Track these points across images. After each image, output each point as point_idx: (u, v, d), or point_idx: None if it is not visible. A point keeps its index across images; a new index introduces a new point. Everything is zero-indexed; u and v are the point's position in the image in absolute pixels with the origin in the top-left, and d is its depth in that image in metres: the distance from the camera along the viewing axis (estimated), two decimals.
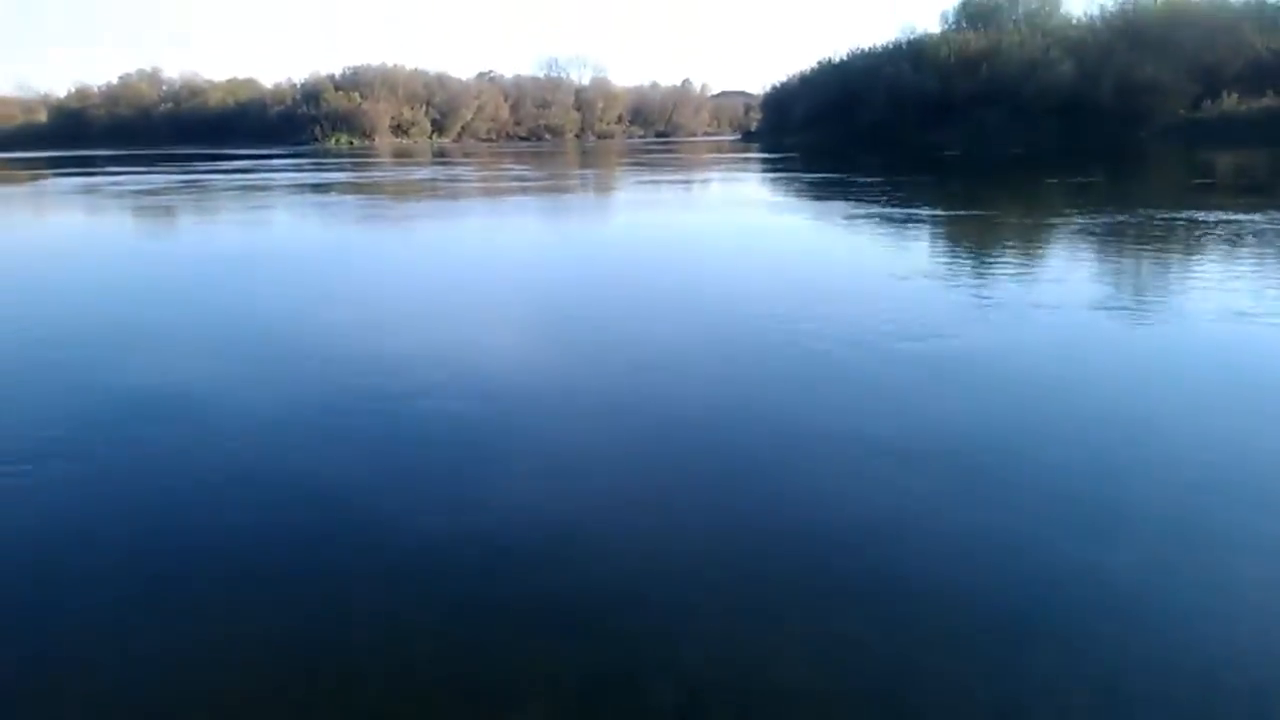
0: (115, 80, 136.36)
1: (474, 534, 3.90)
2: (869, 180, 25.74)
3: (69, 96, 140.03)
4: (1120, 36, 64.89)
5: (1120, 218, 14.52)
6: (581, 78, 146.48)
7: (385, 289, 9.86)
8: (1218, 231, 12.38)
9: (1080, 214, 15.32)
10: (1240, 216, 13.88)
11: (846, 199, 19.68)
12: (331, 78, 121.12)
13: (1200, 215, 14.08)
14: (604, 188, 28.20)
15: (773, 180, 29.01)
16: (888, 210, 16.66)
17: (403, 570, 3.61)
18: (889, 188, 22.75)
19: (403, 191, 26.35)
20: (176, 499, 4.31)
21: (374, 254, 12.67)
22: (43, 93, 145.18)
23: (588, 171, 38.70)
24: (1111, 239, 12.42)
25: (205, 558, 3.76)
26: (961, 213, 16.60)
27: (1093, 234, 12.89)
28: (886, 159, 40.48)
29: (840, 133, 73.32)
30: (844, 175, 28.11)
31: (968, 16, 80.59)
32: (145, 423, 5.46)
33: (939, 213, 16.71)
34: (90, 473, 4.57)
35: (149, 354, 6.93)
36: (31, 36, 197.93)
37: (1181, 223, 13.32)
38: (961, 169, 33.33)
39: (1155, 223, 13.72)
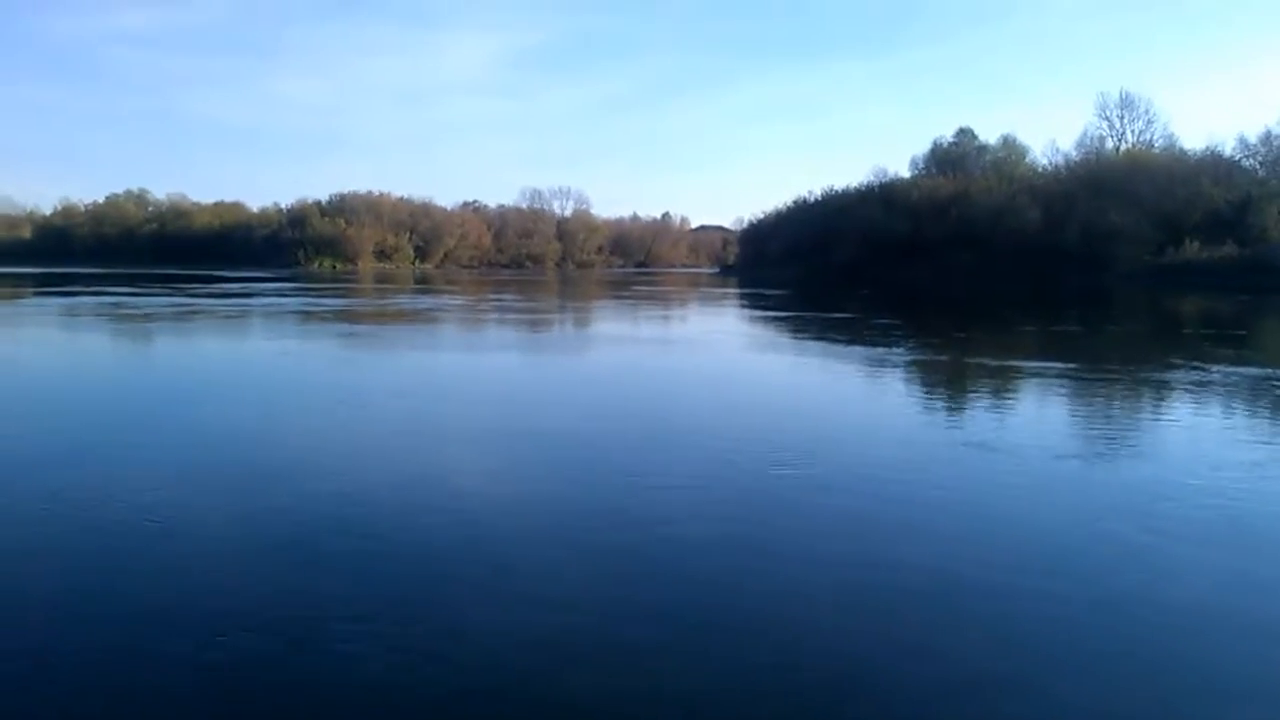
0: (102, 199, 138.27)
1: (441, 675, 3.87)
2: (845, 319, 26.27)
3: (54, 214, 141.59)
4: (1083, 185, 67.54)
5: (1108, 371, 14.90)
6: (564, 209, 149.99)
7: (366, 417, 9.89)
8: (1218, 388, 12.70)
9: (1059, 362, 15.69)
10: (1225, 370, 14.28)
11: (824, 339, 20.06)
12: (318, 204, 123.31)
13: (1197, 373, 14.46)
14: (584, 324, 28.56)
15: (750, 317, 29.57)
16: (865, 351, 17.02)
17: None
18: (866, 328, 23.23)
19: (385, 317, 26.65)
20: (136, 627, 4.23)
21: (355, 380, 12.73)
22: (28, 209, 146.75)
23: (568, 305, 39.25)
24: (1095, 393, 12.71)
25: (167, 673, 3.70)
26: (942, 358, 16.94)
27: (1075, 386, 13.20)
28: (861, 298, 41.36)
29: (815, 269, 74.98)
30: (820, 314, 28.71)
31: (936, 162, 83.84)
32: (105, 553, 5.38)
33: (918, 356, 17.06)
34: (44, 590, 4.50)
35: (114, 478, 6.86)
36: (18, 153, 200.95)
37: (1179, 382, 13.64)
38: (937, 310, 34.10)
39: (1142, 378, 14.09)
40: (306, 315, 23.73)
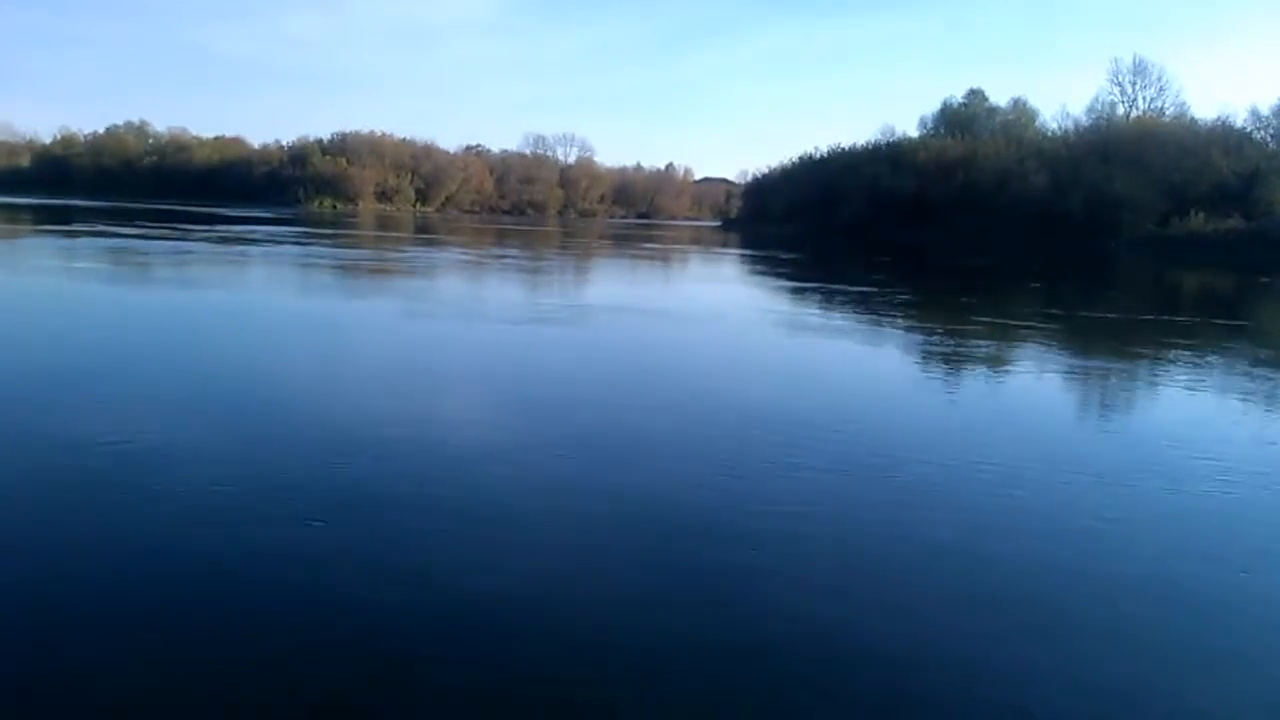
0: (102, 130, 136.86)
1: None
2: (854, 285, 26.13)
3: (54, 143, 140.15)
4: (1092, 151, 66.97)
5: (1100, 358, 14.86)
6: (567, 156, 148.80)
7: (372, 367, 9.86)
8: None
9: (1057, 341, 15.63)
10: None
11: (831, 303, 19.94)
12: (319, 142, 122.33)
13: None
14: (588, 279, 28.44)
15: (755, 273, 29.43)
16: (875, 317, 16.92)
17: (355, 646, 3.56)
18: (876, 293, 23.08)
19: (388, 271, 26.51)
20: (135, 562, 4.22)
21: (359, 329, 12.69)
22: (27, 137, 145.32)
23: (569, 256, 39.09)
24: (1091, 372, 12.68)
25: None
26: (956, 327, 16.87)
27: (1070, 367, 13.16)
28: (866, 258, 41.20)
29: (819, 227, 74.65)
30: (826, 273, 28.55)
31: (946, 123, 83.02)
32: (107, 486, 5.38)
33: (930, 324, 17.00)
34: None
35: (119, 412, 6.83)
36: (18, 79, 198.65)
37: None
38: (944, 273, 33.97)
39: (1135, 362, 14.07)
40: (304, 268, 23.61)
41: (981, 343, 14.19)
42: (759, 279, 24.72)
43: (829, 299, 19.18)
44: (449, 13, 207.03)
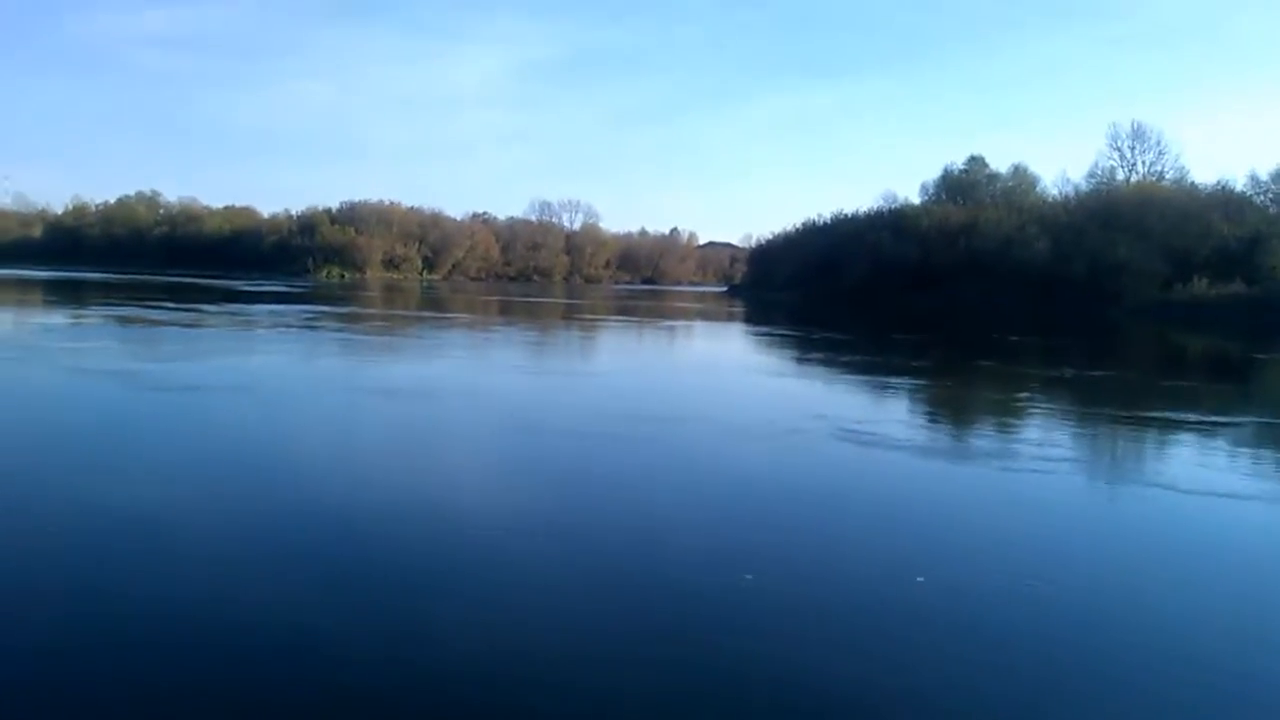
0: (113, 200, 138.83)
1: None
2: (858, 351, 26.20)
3: (66, 213, 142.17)
4: (1093, 217, 67.52)
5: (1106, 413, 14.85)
6: (573, 222, 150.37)
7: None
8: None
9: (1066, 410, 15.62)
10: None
11: (841, 367, 19.98)
12: (328, 211, 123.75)
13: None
14: (595, 344, 28.58)
15: (764, 341, 29.53)
16: (868, 380, 16.92)
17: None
18: (871, 359, 23.13)
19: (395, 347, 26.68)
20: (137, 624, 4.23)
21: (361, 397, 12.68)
22: (40, 207, 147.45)
23: (575, 324, 39.28)
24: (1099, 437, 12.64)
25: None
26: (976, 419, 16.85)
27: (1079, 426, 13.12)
28: (866, 325, 41.38)
29: (824, 293, 75.04)
30: (833, 339, 28.58)
31: (947, 188, 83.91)
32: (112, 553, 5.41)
33: (941, 392, 16.98)
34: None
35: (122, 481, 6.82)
36: (32, 150, 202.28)
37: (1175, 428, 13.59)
38: (952, 342, 34.05)
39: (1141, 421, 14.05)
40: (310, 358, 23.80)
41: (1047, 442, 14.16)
42: (786, 364, 24.61)
43: (869, 390, 19.11)
44: (454, 83, 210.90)
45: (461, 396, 14.23)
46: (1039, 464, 10.04)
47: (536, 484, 8.72)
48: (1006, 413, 14.85)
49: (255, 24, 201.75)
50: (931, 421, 13.90)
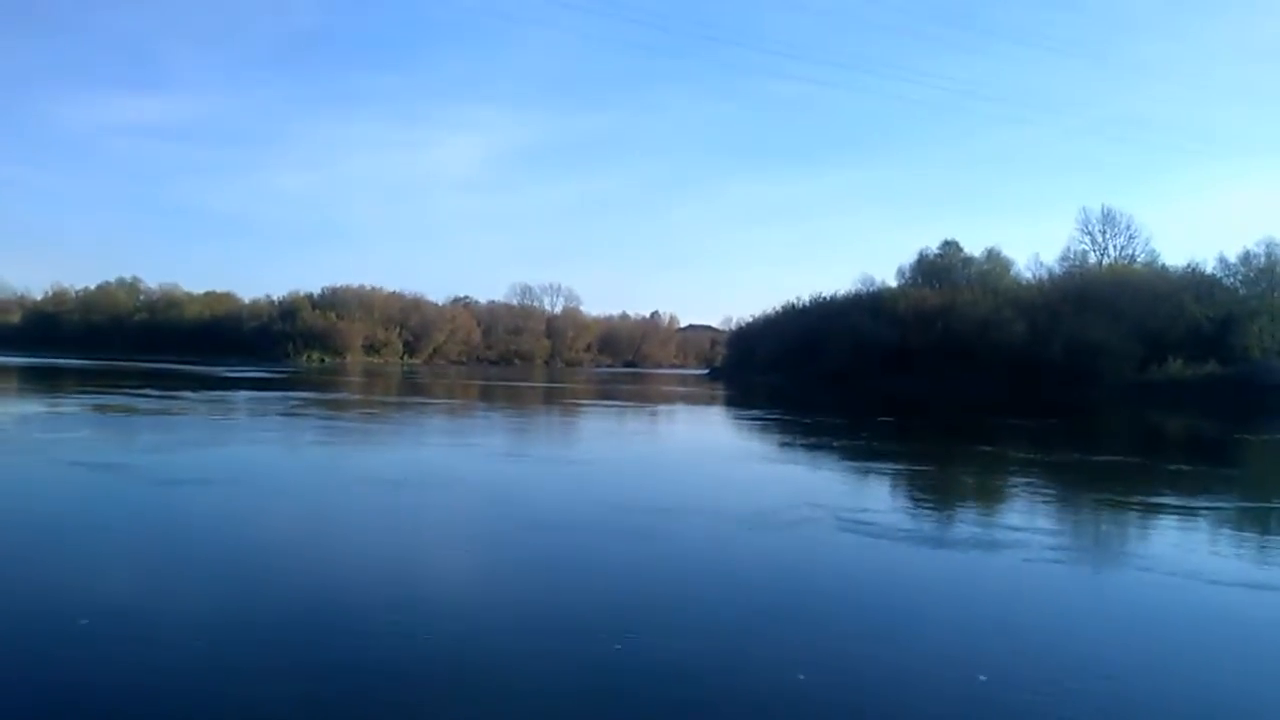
0: (94, 286, 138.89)
1: None
2: (843, 435, 26.31)
3: (45, 299, 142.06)
4: (1067, 300, 68.81)
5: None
6: (554, 306, 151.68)
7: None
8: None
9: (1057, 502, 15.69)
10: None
11: (830, 452, 20.03)
12: (309, 296, 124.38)
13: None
14: (580, 430, 28.59)
15: (750, 425, 29.59)
16: (862, 465, 16.96)
17: None
18: (862, 442, 23.22)
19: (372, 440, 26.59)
20: None
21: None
22: (19, 293, 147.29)
23: (559, 409, 39.28)
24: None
25: None
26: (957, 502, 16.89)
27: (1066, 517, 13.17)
28: (852, 408, 41.57)
29: (804, 375, 75.59)
30: (818, 423, 28.70)
31: (923, 272, 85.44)
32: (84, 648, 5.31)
33: (932, 480, 17.04)
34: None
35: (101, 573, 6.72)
36: (11, 235, 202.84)
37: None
38: (937, 425, 34.22)
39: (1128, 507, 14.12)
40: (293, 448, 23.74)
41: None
42: (775, 450, 24.69)
43: (863, 476, 19.17)
44: (434, 169, 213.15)
45: (451, 487, 14.15)
46: (1057, 554, 10.06)
47: (538, 581, 8.57)
48: (1008, 499, 14.82)
49: (235, 113, 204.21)
50: (934, 510, 13.82)
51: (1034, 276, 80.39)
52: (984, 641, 7.04)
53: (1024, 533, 11.38)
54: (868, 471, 18.15)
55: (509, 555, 9.67)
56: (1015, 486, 16.10)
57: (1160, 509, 13.89)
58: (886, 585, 8.75)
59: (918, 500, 14.77)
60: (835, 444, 23.56)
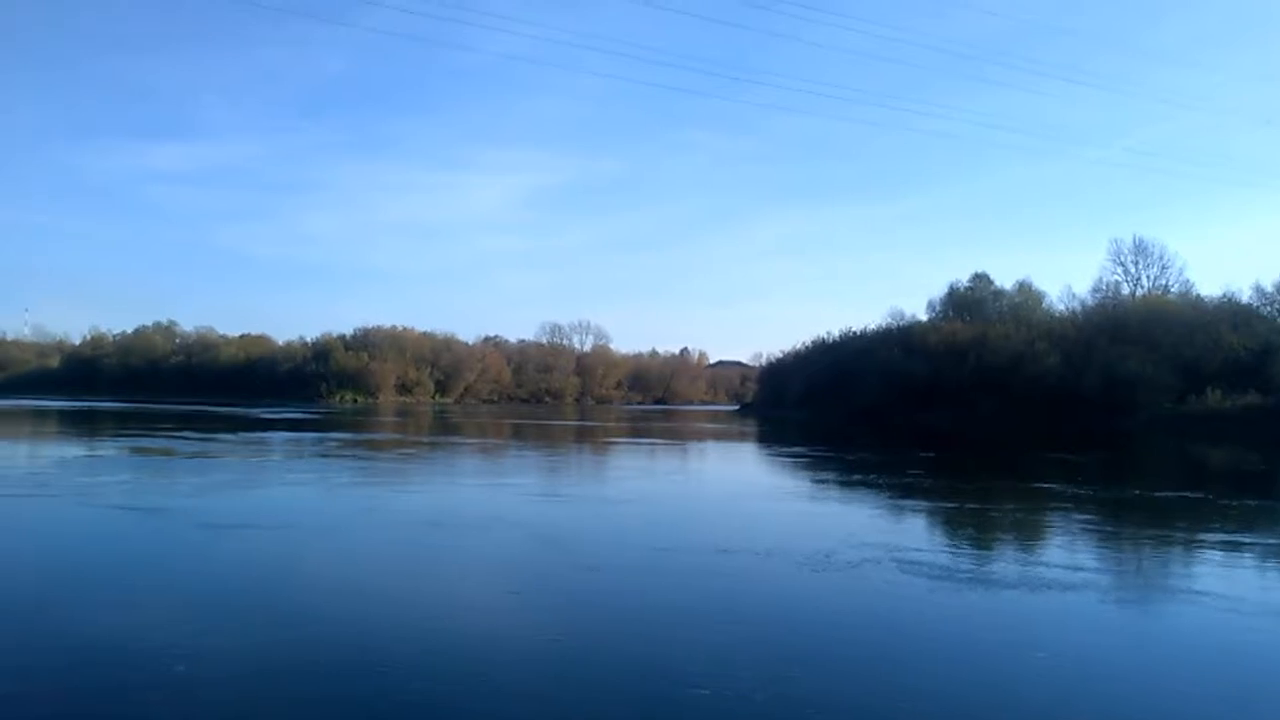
0: (131, 330, 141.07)
1: None
2: (885, 471, 26.11)
3: (83, 344, 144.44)
4: (1101, 331, 68.20)
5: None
6: (583, 344, 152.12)
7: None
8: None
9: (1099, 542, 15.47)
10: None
11: (870, 489, 19.84)
12: (342, 338, 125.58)
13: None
14: (616, 469, 28.59)
15: (785, 462, 29.46)
16: (911, 503, 16.79)
17: None
18: (906, 479, 22.96)
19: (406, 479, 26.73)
20: None
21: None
22: (58, 338, 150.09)
23: (592, 447, 39.30)
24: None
25: None
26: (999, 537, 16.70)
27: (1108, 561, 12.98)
28: (888, 443, 41.28)
29: (835, 410, 75.26)
30: (853, 459, 28.52)
31: (954, 305, 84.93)
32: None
33: (971, 517, 16.86)
34: None
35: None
36: (51, 281, 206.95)
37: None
38: (976, 461, 33.88)
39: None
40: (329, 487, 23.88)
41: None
42: (815, 487, 24.54)
43: (908, 514, 19.01)
44: (464, 211, 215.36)
45: (492, 527, 14.15)
46: (1134, 594, 10.00)
47: (597, 626, 8.48)
48: (1071, 538, 14.48)
49: (268, 159, 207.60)
50: (996, 550, 13.39)
51: (1066, 308, 79.77)
52: (1076, 687, 6.92)
53: (1097, 573, 11.22)
54: (918, 509, 18.01)
55: (561, 599, 9.62)
56: (1075, 524, 15.83)
57: (1234, 547, 13.65)
58: (969, 633, 8.49)
59: (977, 540, 14.55)
60: (880, 481, 23.34)
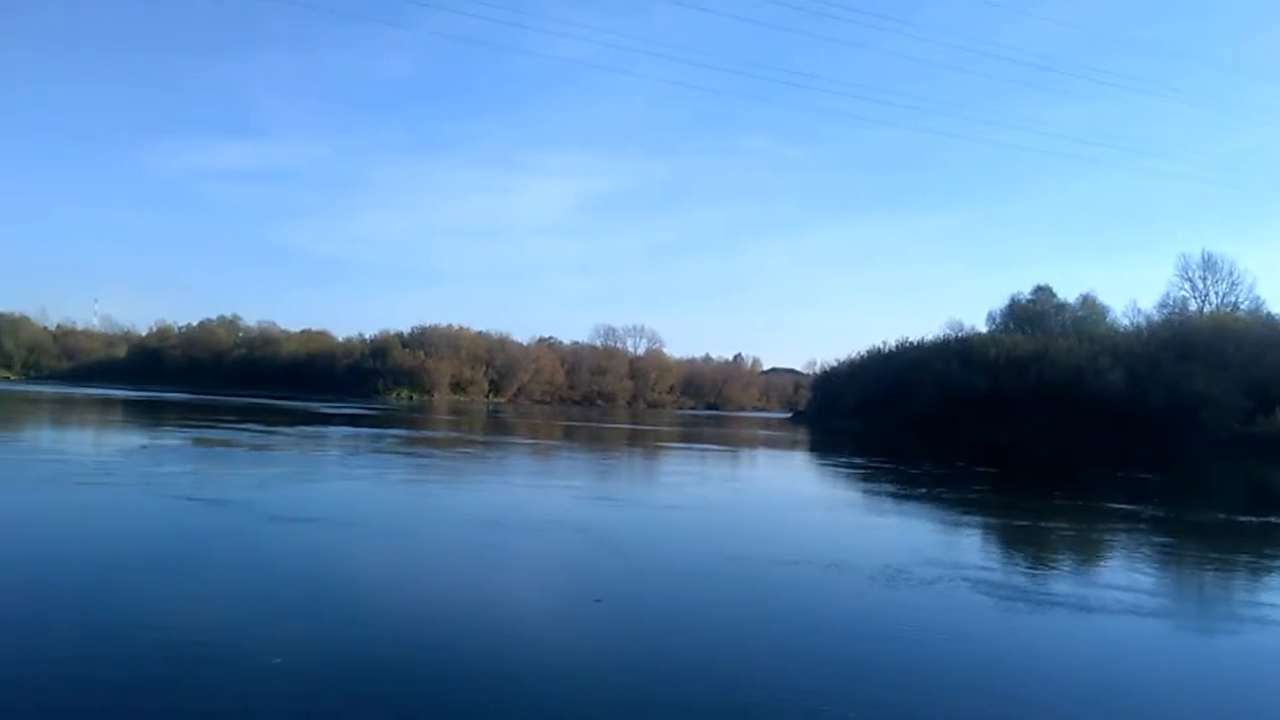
0: (195, 323, 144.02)
1: None
2: (947, 485, 25.76)
3: (150, 335, 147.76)
4: (1167, 348, 66.54)
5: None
6: (637, 347, 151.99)
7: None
8: None
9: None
10: None
11: (932, 503, 19.57)
12: (399, 335, 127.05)
13: None
14: (671, 474, 28.58)
15: (842, 473, 29.20)
16: (978, 519, 16.52)
17: None
18: (971, 494, 22.58)
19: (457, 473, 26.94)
20: None
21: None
22: (126, 329, 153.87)
23: (646, 451, 39.31)
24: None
25: None
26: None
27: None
28: (945, 456, 40.71)
29: (890, 421, 74.42)
30: (911, 472, 28.16)
31: (1015, 318, 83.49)
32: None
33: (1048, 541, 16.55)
34: None
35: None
36: (119, 274, 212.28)
37: None
38: (1040, 477, 33.28)
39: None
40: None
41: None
42: (876, 500, 24.19)
43: (975, 531, 18.69)
44: (518, 213, 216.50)
45: (552, 530, 14.18)
46: (1236, 624, 9.72)
47: (667, 637, 8.34)
48: (1141, 560, 14.18)
49: (330, 159, 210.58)
50: (1077, 572, 13.13)
51: (1131, 324, 77.85)
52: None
53: (1188, 600, 10.94)
54: (988, 526, 17.75)
55: (632, 605, 9.56)
56: (1154, 546, 15.47)
57: None
58: (1064, 660, 8.18)
59: (1053, 560, 14.11)
60: (944, 496, 23.00)
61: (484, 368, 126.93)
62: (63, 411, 47.14)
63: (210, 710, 5.89)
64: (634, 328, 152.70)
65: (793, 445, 50.67)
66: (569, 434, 50.54)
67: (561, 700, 6.37)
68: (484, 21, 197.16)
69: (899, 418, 74.65)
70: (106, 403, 58.39)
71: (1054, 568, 13.33)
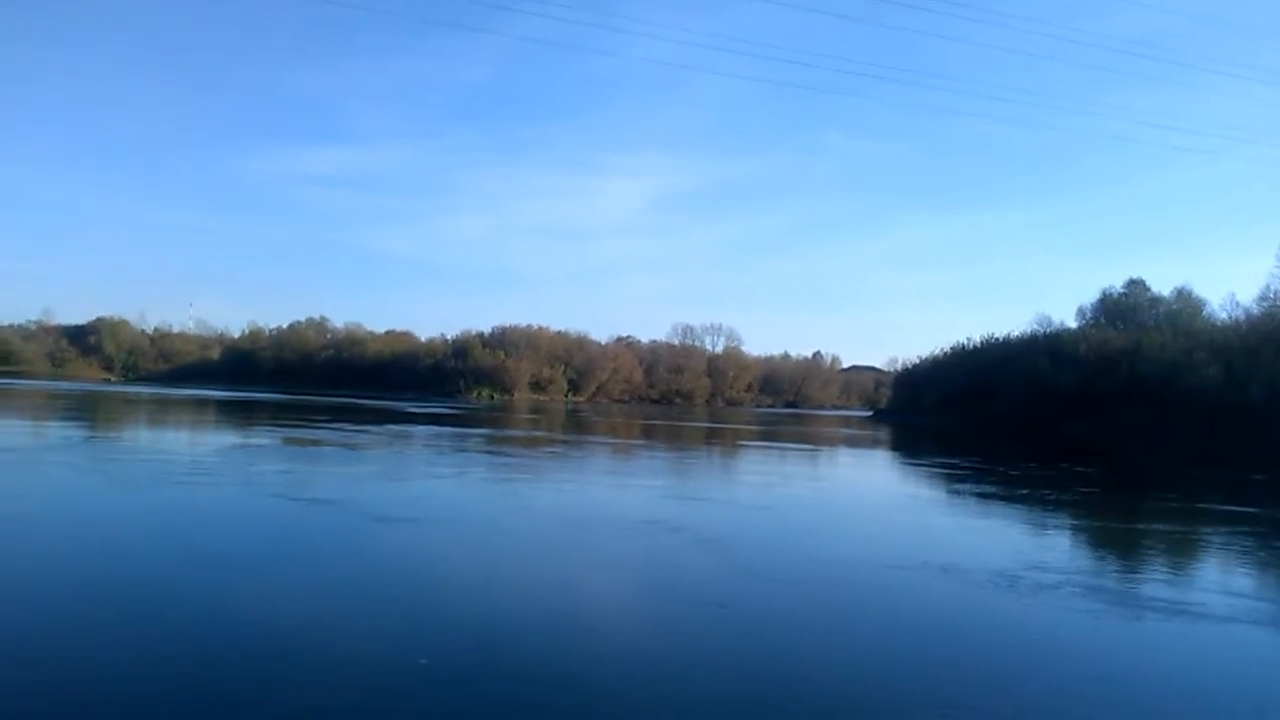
0: (285, 325, 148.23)
1: None
2: (1046, 487, 25.15)
3: (242, 337, 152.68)
4: (1268, 341, 64.01)
5: None
6: (715, 345, 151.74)
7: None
8: None
9: None
10: None
11: (1028, 504, 19.09)
12: (480, 335, 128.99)
13: None
14: (755, 473, 28.43)
15: (930, 473, 28.72)
16: (1088, 523, 16.09)
17: None
18: (1074, 496, 21.98)
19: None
20: None
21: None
22: (219, 331, 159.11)
23: (727, 449, 39.17)
24: None
25: None
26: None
27: None
28: (1037, 455, 39.75)
29: (974, 419, 73.02)
30: (1002, 472, 27.54)
31: (1106, 312, 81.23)
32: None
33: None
34: None
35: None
36: (213, 279, 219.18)
37: None
38: (1142, 476, 32.28)
39: None
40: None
41: None
42: (971, 502, 23.61)
43: (1077, 535, 18.24)
44: (596, 213, 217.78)
45: (650, 530, 14.08)
46: None
47: (784, 643, 8.20)
48: (1274, 567, 13.68)
49: (414, 164, 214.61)
50: (1209, 580, 12.53)
51: (1229, 317, 74.93)
52: None
53: None
54: (1101, 530, 17.24)
55: (744, 612, 9.36)
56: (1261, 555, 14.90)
57: None
58: (1208, 680, 7.80)
59: (1182, 568, 13.53)
60: (1046, 497, 22.38)
61: (563, 367, 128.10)
62: (161, 412, 48.80)
63: (366, 708, 6.06)
64: (711, 326, 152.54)
65: (876, 443, 49.98)
66: (649, 432, 50.62)
67: (688, 700, 6.38)
68: (562, 24, 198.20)
69: (982, 415, 73.24)
70: (202, 403, 60.27)
71: (1186, 574, 12.85)
